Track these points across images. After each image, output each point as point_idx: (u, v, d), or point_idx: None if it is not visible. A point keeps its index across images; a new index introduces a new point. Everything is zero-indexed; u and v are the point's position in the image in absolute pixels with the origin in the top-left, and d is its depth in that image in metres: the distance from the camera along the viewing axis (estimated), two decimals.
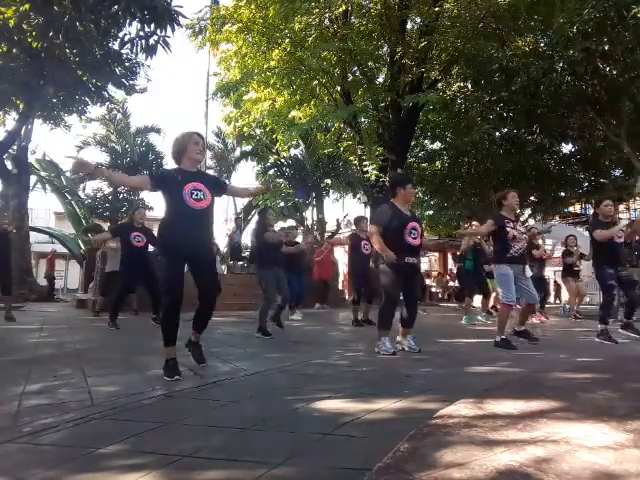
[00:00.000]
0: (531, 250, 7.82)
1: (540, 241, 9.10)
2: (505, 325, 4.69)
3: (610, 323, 5.26)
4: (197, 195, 3.05)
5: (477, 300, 9.29)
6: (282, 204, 15.94)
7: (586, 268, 10.05)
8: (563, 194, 17.01)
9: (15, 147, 13.20)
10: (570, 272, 8.84)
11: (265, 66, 12.85)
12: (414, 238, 4.04)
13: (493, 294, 8.39)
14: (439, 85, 14.18)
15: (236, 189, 3.97)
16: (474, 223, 8.13)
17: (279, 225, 14.13)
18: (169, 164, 15.61)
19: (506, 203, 4.86)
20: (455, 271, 12.19)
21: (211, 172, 20.46)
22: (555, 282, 19.54)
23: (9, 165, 13.06)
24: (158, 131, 17.37)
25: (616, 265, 5.27)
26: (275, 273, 5.71)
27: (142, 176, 3.19)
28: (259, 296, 5.96)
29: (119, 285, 6.51)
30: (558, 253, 12.84)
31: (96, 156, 19.32)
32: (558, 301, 18.84)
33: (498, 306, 8.99)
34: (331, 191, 17.14)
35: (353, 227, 9.02)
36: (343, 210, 31.16)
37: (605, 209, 5.46)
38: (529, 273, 4.87)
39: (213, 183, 3.29)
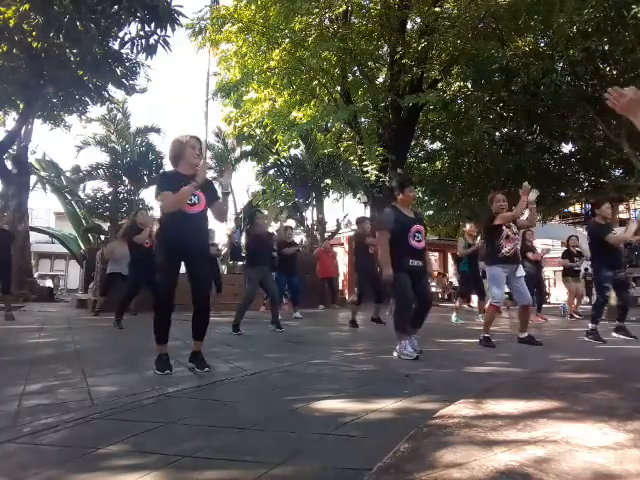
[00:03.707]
0: (526, 252, 7.89)
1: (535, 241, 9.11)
2: (491, 324, 4.80)
3: (600, 323, 5.32)
4: (191, 200, 3.10)
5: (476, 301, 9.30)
6: (282, 204, 15.93)
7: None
8: (563, 194, 17.01)
9: (15, 147, 13.19)
10: (570, 272, 8.88)
11: (265, 66, 12.86)
12: (418, 241, 3.99)
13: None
14: (439, 85, 14.17)
15: (215, 208, 3.35)
16: (467, 225, 8.18)
17: (279, 225, 14.11)
18: (168, 165, 15.57)
19: (492, 207, 4.93)
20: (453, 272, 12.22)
21: (211, 172, 20.46)
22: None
23: (9, 165, 13.05)
24: (158, 131, 17.36)
25: (615, 268, 5.33)
26: (261, 272, 5.77)
27: (167, 194, 3.14)
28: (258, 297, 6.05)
29: (128, 286, 6.54)
30: (555, 253, 12.82)
31: (96, 156, 19.35)
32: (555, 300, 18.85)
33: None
34: (331, 191, 17.13)
35: (354, 227, 9.05)
36: (343, 210, 31.22)
37: (606, 211, 5.51)
38: (521, 273, 4.89)
39: (209, 188, 3.28)
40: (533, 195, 4.72)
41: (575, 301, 9.07)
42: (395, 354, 3.84)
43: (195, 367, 3.20)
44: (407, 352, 3.77)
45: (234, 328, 5.53)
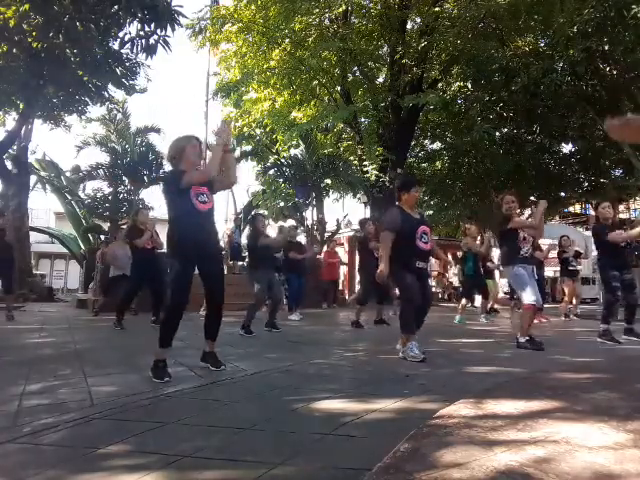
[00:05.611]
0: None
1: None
2: (529, 326, 4.62)
3: (611, 323, 5.26)
4: (202, 198, 3.12)
5: (477, 301, 9.29)
6: (282, 204, 15.91)
7: (586, 269, 10.06)
8: (563, 194, 17.02)
9: (15, 147, 13.19)
10: (567, 272, 8.82)
11: (265, 66, 12.85)
12: (425, 242, 3.94)
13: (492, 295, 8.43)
14: (439, 85, 14.18)
15: (217, 180, 3.35)
16: (469, 226, 8.20)
17: (279, 225, 14.13)
18: (168, 165, 15.57)
19: (503, 209, 4.89)
20: (456, 272, 12.17)
21: None
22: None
23: (9, 165, 13.05)
24: (158, 131, 17.32)
25: (621, 268, 5.30)
26: (268, 276, 5.75)
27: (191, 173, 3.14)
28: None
29: (128, 286, 6.54)
30: (551, 254, 12.76)
31: (96, 156, 19.31)
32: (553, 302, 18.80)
33: (496, 306, 9.01)
34: (331, 191, 17.12)
35: (354, 227, 9.07)
36: (343, 210, 31.12)
37: (602, 212, 5.46)
38: (536, 276, 4.90)
39: (209, 183, 3.27)
40: (542, 205, 4.77)
41: (573, 301, 9.04)
42: (401, 354, 3.78)
43: (210, 366, 3.20)
44: (414, 354, 3.66)
45: (246, 330, 5.38)
